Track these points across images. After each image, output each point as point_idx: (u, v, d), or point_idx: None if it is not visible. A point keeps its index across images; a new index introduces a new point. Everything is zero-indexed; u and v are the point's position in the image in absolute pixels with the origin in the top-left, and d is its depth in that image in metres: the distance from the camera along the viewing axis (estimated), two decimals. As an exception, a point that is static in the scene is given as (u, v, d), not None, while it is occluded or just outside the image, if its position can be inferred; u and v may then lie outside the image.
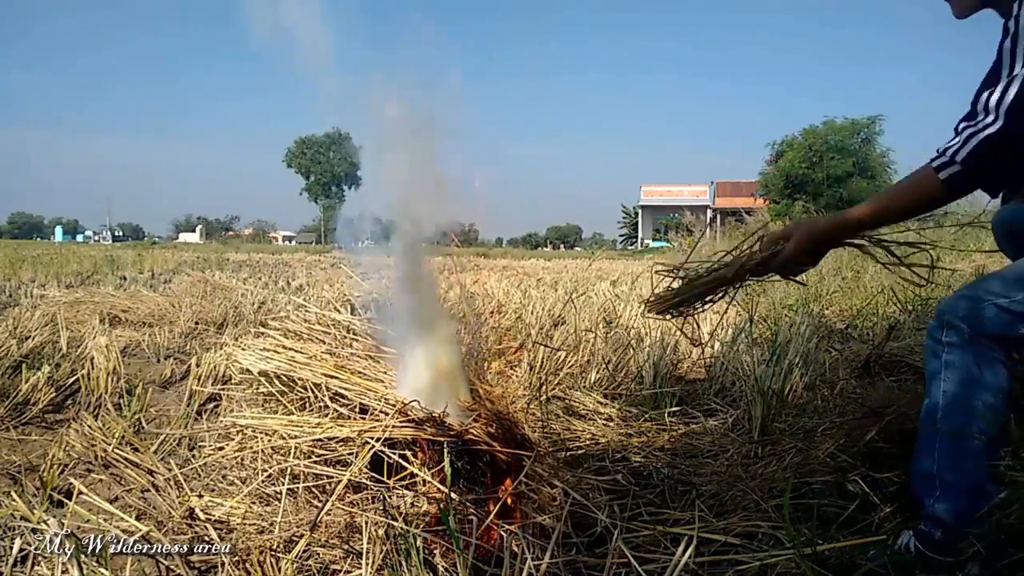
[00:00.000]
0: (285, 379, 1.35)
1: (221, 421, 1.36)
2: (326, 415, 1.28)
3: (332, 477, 1.19)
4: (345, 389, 1.30)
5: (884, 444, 1.58)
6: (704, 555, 1.09)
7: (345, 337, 1.54)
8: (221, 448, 1.36)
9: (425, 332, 1.32)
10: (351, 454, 1.22)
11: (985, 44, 1.01)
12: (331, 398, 1.31)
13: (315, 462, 1.23)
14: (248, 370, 1.37)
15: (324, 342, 1.51)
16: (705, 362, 2.58)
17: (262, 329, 1.53)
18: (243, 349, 1.44)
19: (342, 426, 1.23)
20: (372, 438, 1.19)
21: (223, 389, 1.98)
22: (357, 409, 1.30)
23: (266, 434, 1.28)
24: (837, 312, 3.70)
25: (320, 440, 1.23)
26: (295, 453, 1.23)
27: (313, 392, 1.31)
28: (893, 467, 1.48)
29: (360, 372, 1.35)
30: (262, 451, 1.27)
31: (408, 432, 1.20)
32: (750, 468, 1.57)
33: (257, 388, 1.37)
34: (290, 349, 1.42)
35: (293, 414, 1.31)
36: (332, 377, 1.32)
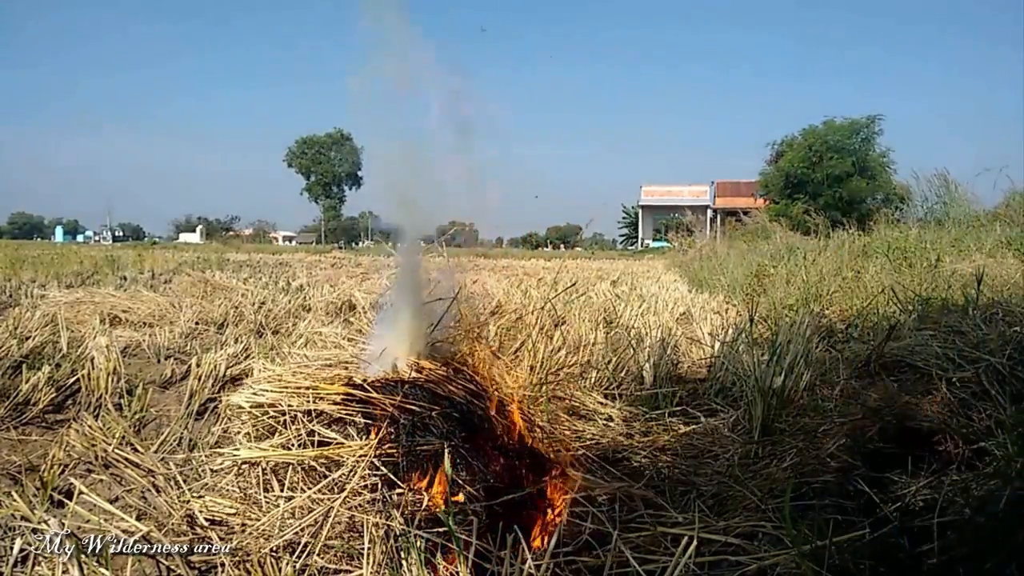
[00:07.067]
0: (278, 408, 1.36)
1: (218, 455, 1.36)
2: (319, 439, 1.29)
3: (331, 492, 1.19)
4: (336, 410, 1.31)
5: (884, 444, 1.58)
6: (704, 555, 1.09)
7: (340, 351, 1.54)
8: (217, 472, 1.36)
9: (424, 333, 1.32)
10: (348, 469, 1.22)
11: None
12: (318, 416, 1.31)
13: (311, 470, 1.23)
14: (242, 406, 1.38)
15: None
16: (705, 362, 2.58)
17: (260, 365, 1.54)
18: (237, 392, 1.46)
19: (340, 446, 1.23)
20: (366, 456, 1.20)
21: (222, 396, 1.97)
22: (357, 422, 1.30)
23: (265, 459, 1.28)
24: (837, 312, 3.70)
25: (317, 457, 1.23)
26: (291, 470, 1.24)
27: (305, 417, 1.32)
28: (893, 467, 1.47)
29: (352, 384, 1.35)
30: (262, 469, 1.27)
31: (398, 455, 1.20)
32: (750, 468, 1.57)
33: (254, 422, 1.38)
34: (282, 377, 1.43)
35: (288, 430, 1.31)
36: (324, 400, 1.32)
